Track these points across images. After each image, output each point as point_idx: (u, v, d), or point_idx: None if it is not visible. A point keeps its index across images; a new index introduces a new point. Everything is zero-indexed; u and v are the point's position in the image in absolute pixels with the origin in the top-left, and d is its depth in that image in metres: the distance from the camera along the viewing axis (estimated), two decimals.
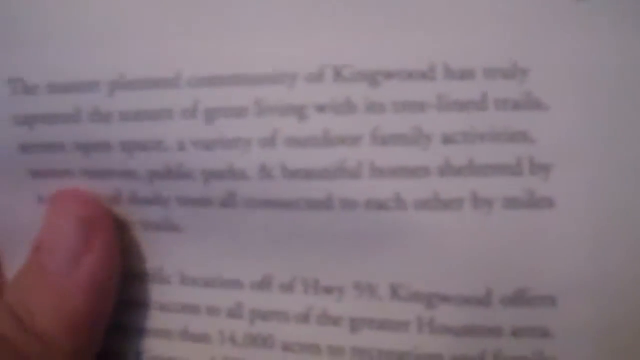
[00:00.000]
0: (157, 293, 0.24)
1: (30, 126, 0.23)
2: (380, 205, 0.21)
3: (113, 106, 0.22)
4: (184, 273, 0.23)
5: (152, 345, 0.24)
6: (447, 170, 0.20)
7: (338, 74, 0.21)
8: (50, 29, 0.22)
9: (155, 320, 0.24)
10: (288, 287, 0.22)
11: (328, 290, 0.22)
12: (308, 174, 0.21)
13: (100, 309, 0.22)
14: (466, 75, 0.20)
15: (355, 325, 0.22)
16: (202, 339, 0.24)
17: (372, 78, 0.21)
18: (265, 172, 0.21)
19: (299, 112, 0.21)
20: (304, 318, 0.22)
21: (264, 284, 0.23)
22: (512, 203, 0.20)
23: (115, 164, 0.22)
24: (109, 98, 0.22)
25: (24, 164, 0.23)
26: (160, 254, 0.23)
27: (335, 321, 0.22)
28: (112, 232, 0.23)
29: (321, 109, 0.21)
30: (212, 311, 0.23)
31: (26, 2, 0.22)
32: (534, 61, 0.20)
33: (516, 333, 0.21)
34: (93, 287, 0.22)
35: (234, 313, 0.23)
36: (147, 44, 0.22)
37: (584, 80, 0.20)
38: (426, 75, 0.20)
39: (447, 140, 0.20)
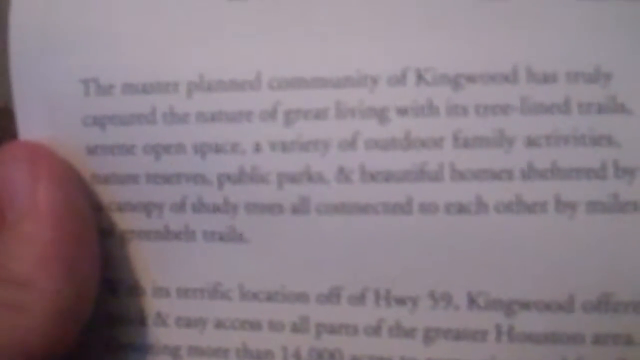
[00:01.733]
0: (214, 309, 0.23)
1: (102, 127, 0.23)
2: (460, 209, 0.21)
3: (190, 107, 0.22)
4: (244, 287, 0.23)
5: None
6: (530, 173, 0.21)
7: (420, 77, 0.21)
8: (128, 29, 0.22)
9: (210, 338, 0.23)
10: (358, 299, 0.22)
11: (401, 301, 0.22)
12: (387, 177, 0.21)
13: (69, 237, 0.22)
14: (549, 78, 0.21)
15: (430, 336, 0.22)
16: (262, 355, 0.23)
17: (454, 81, 0.21)
18: (343, 175, 0.21)
19: (380, 114, 0.21)
20: (375, 330, 0.22)
21: (331, 296, 0.22)
22: (596, 207, 0.20)
23: (186, 167, 0.22)
24: (186, 99, 0.22)
25: (88, 168, 0.23)
26: (220, 268, 0.23)
27: (408, 333, 0.22)
28: (56, 160, 0.22)
29: (402, 111, 0.21)
30: (274, 326, 0.23)
31: (104, 2, 0.22)
32: (617, 66, 0.20)
33: (598, 340, 0.21)
34: (54, 214, 0.21)
35: (299, 327, 0.22)
36: (227, 45, 0.22)
37: None
38: (508, 78, 0.21)
39: (530, 143, 0.21)
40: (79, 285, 0.22)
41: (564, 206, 0.21)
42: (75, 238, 0.22)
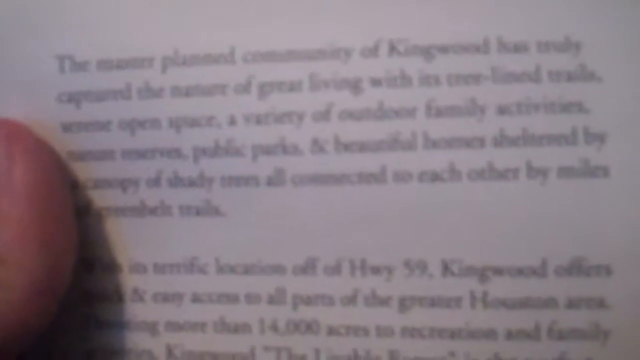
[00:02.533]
0: (190, 284, 0.23)
1: (77, 104, 0.23)
2: (434, 177, 0.21)
3: (165, 82, 0.22)
4: (220, 261, 0.23)
5: (184, 339, 0.23)
6: (502, 140, 0.21)
7: (393, 48, 0.21)
8: (103, 6, 0.22)
9: (188, 312, 0.23)
10: (334, 270, 0.22)
11: (376, 270, 0.22)
12: (362, 147, 0.21)
13: (46, 214, 0.22)
14: (519, 48, 0.21)
15: (405, 304, 0.22)
16: (240, 328, 0.23)
17: (427, 52, 0.21)
18: (317, 146, 0.22)
19: (354, 85, 0.21)
20: (351, 300, 0.22)
21: (307, 268, 0.22)
22: (566, 172, 0.21)
23: (161, 142, 0.22)
24: (161, 74, 0.22)
25: (64, 145, 0.23)
26: (196, 242, 0.23)
27: (384, 301, 0.22)
28: (33, 137, 0.22)
29: (376, 82, 0.21)
30: (251, 298, 0.23)
31: None
32: (587, 35, 0.21)
33: (571, 304, 0.21)
34: (30, 192, 0.21)
35: (275, 299, 0.23)
36: (202, 19, 0.22)
37: (636, 51, 0.20)
38: (480, 48, 0.21)
39: (502, 110, 0.21)
40: (56, 261, 0.22)
41: (536, 172, 0.21)
42: (52, 215, 0.22)
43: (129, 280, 0.24)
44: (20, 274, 0.21)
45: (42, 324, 0.22)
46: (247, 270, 0.23)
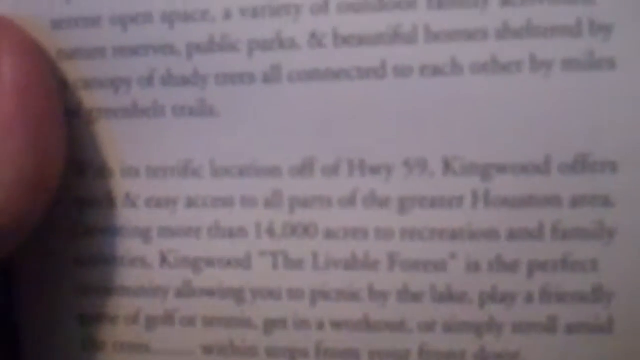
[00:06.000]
0: (185, 187, 0.24)
1: None
2: (435, 71, 0.21)
3: None
4: (215, 163, 0.23)
5: (178, 245, 0.24)
6: (505, 32, 0.21)
7: None
8: None
9: (182, 217, 0.24)
10: (331, 170, 0.22)
11: (375, 170, 0.22)
12: (361, 40, 0.22)
13: (34, 112, 0.22)
14: None
15: (405, 205, 0.22)
16: (235, 233, 0.23)
17: None
18: (315, 40, 0.22)
19: None
20: (349, 202, 0.22)
21: (305, 169, 0.23)
22: (571, 64, 0.21)
23: (154, 38, 0.23)
24: None
25: (54, 44, 0.23)
26: (190, 144, 0.23)
27: (383, 202, 0.22)
28: (21, 33, 0.23)
29: None
30: (247, 202, 0.23)
31: None
32: None
33: (575, 202, 0.21)
34: (18, 88, 0.22)
35: (272, 202, 0.23)
36: None
37: None
38: None
39: (505, 2, 0.21)
40: (45, 158, 0.22)
41: (540, 65, 0.21)
42: (41, 113, 0.22)
43: (121, 185, 0.24)
44: (9, 170, 0.21)
45: (31, 225, 0.22)
46: (243, 172, 0.23)
